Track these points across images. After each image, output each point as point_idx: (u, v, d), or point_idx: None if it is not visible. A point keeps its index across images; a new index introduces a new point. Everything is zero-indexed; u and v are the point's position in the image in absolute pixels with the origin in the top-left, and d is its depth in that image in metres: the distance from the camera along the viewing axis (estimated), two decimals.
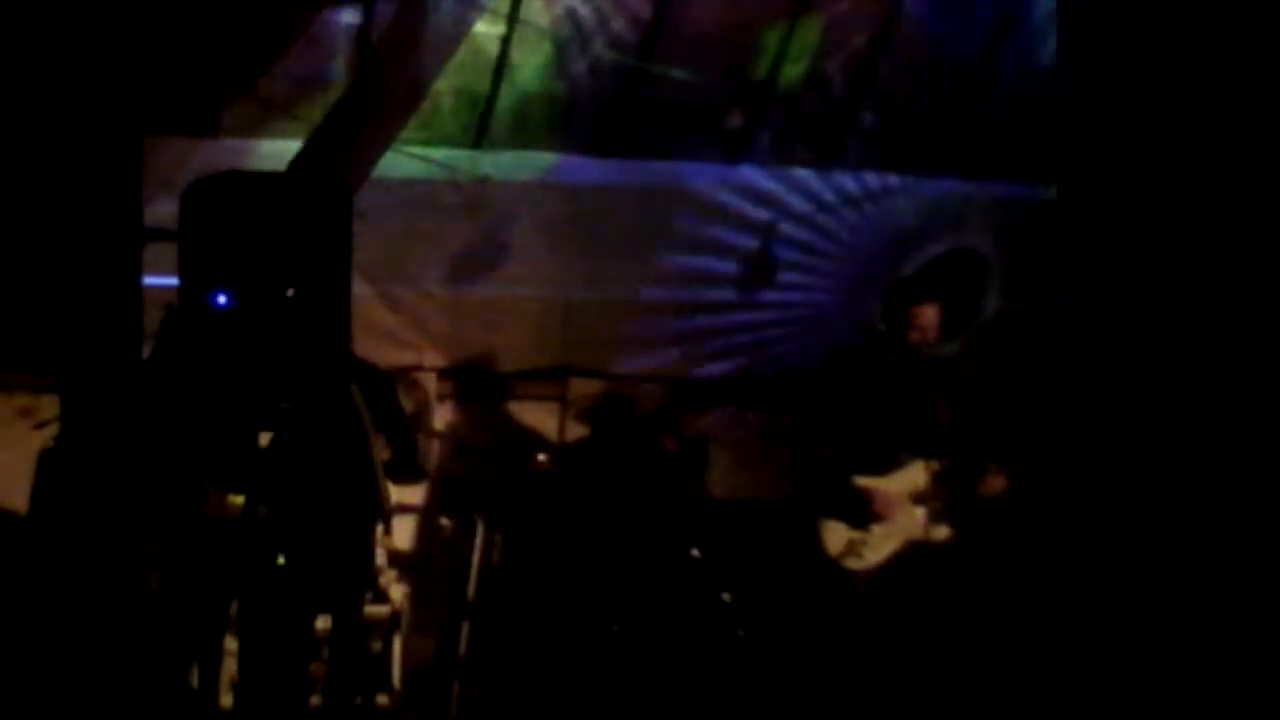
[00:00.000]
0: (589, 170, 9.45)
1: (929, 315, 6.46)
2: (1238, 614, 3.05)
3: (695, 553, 8.02)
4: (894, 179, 9.66)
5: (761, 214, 9.49)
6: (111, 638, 6.44)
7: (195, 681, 6.93)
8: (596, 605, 7.97)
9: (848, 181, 9.65)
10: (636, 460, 8.44)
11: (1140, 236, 3.19)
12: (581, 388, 9.16)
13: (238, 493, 7.57)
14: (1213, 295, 3.08)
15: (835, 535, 6.34)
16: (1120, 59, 3.24)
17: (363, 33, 8.69)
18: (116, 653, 6.43)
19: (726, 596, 7.68)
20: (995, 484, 6.36)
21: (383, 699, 7.18)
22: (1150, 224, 3.17)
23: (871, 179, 9.65)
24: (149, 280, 6.91)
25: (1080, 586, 3.31)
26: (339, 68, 8.67)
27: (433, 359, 8.91)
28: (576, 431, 9.03)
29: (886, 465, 6.38)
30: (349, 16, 8.73)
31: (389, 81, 8.16)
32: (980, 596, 7.33)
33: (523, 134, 9.17)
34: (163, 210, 6.23)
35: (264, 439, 6.18)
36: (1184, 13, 3.13)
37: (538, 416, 9.06)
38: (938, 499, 6.36)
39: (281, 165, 7.71)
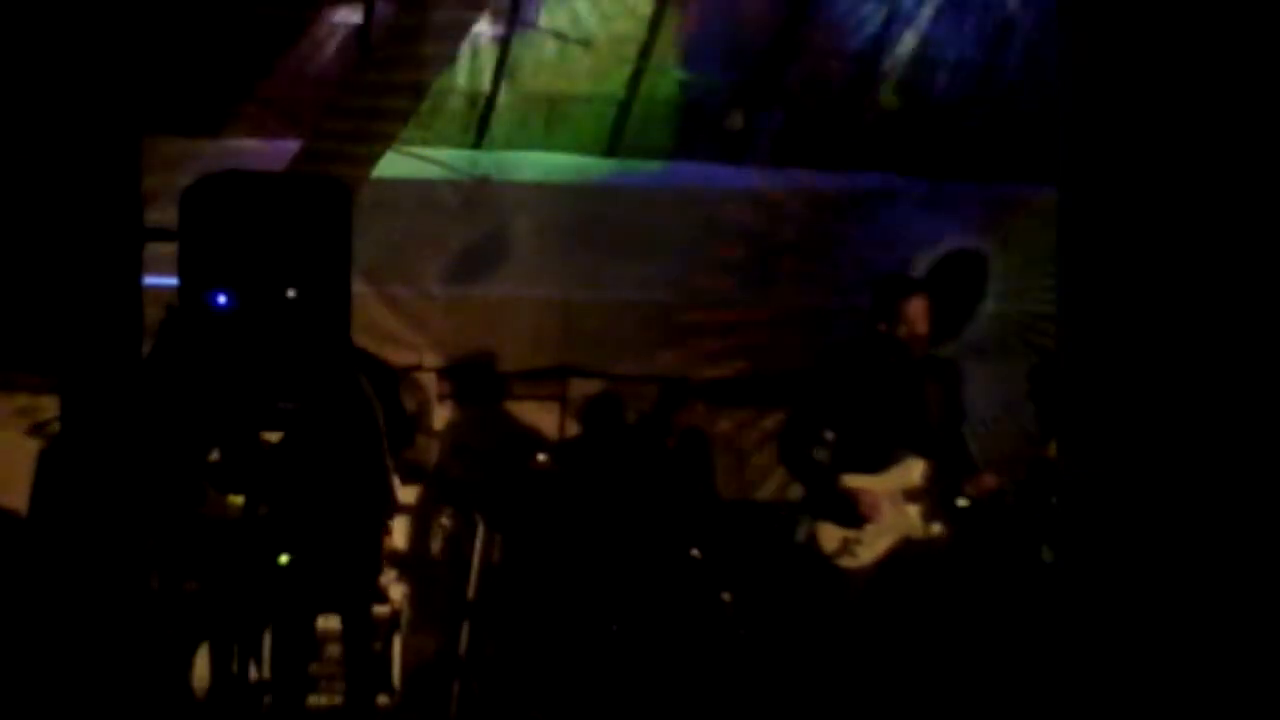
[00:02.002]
0: (589, 170, 9.46)
1: (918, 309, 6.39)
2: (1237, 612, 3.05)
3: (695, 553, 8.02)
4: (894, 179, 9.66)
5: (762, 214, 9.49)
6: (111, 637, 6.43)
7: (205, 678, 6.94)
8: (596, 605, 7.96)
9: (847, 181, 9.65)
10: (637, 459, 8.44)
11: (1140, 236, 3.19)
12: (581, 388, 9.16)
13: (238, 493, 7.59)
14: (1213, 295, 3.08)
15: (829, 534, 6.30)
16: (1120, 59, 3.25)
17: (363, 33, 8.69)
18: (116, 652, 6.42)
19: (727, 596, 7.67)
20: (986, 482, 6.33)
21: (383, 699, 7.18)
22: (1151, 223, 3.17)
23: (871, 179, 9.66)
24: (149, 280, 6.91)
25: (1078, 585, 3.31)
26: (339, 68, 8.67)
27: (433, 359, 8.91)
28: (576, 431, 9.04)
29: (881, 463, 6.33)
30: (349, 16, 8.73)
31: (389, 81, 8.16)
32: (973, 594, 7.32)
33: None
34: (163, 210, 6.23)
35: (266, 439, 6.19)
36: (1184, 13, 3.13)
37: (538, 416, 9.06)
38: (931, 497, 6.31)
39: (281, 165, 7.71)
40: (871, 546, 6.23)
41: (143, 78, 6.93)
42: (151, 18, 7.03)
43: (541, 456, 8.38)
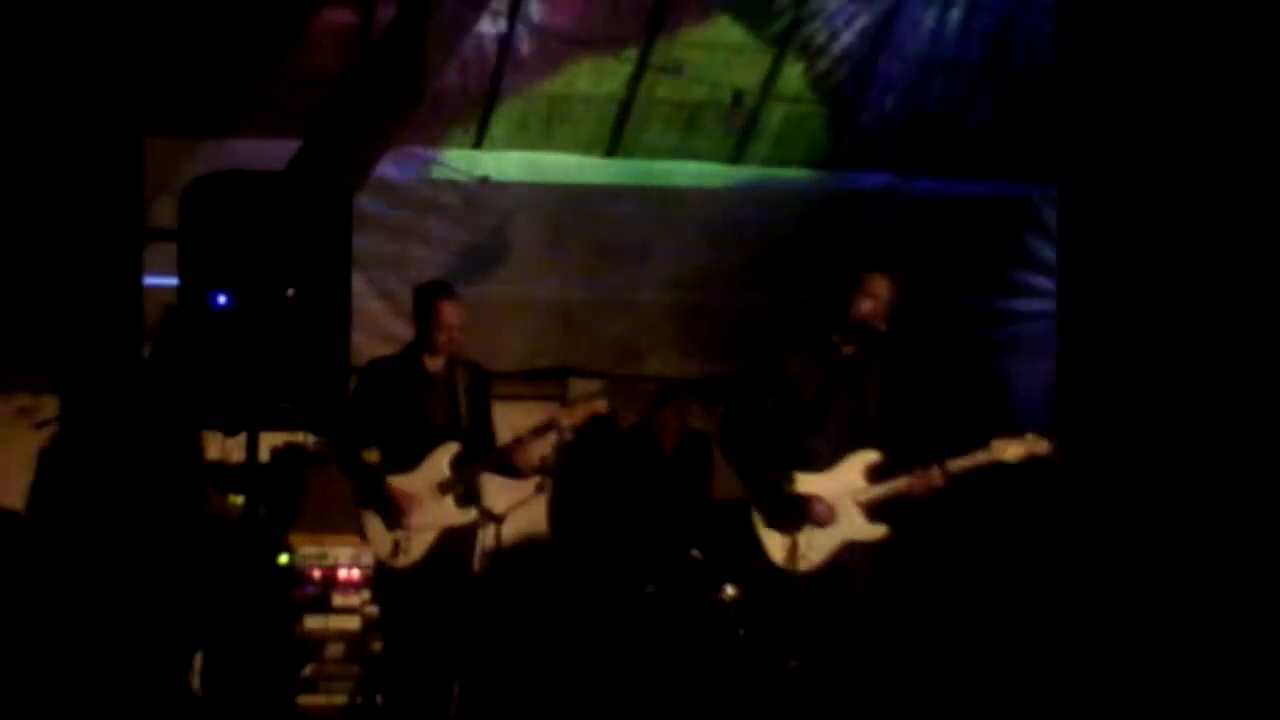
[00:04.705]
0: (589, 170, 9.46)
1: (882, 285, 6.23)
2: (1237, 613, 3.05)
3: (695, 553, 8.02)
4: (894, 179, 9.67)
5: (762, 214, 9.49)
6: (111, 637, 6.44)
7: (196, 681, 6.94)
8: (596, 605, 7.96)
9: (848, 181, 9.66)
10: (636, 460, 8.43)
11: (1141, 235, 3.20)
12: (581, 388, 9.15)
13: (237, 493, 7.59)
14: (1214, 294, 3.08)
15: (776, 542, 6.16)
16: (1121, 58, 3.25)
17: (363, 33, 8.70)
18: (116, 653, 6.43)
19: (731, 591, 7.65)
20: (929, 480, 6.14)
21: (382, 698, 7.18)
22: (1152, 223, 3.17)
23: (872, 179, 9.66)
24: (149, 280, 6.91)
25: (1078, 587, 3.32)
26: (339, 68, 8.68)
27: None
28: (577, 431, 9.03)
29: (826, 462, 6.18)
30: (349, 16, 8.73)
31: (389, 81, 8.16)
32: (919, 597, 7.30)
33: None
34: (163, 210, 6.23)
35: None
36: (1185, 12, 3.13)
37: (538, 417, 9.05)
38: (872, 497, 6.17)
39: (281, 165, 7.71)
40: (820, 549, 6.11)
41: (143, 78, 6.94)
42: (151, 18, 7.04)
43: (542, 454, 8.36)
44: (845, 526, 6.14)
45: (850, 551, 6.13)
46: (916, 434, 6.23)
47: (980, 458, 6.12)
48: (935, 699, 6.97)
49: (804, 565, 6.12)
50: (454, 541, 6.81)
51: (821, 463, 6.19)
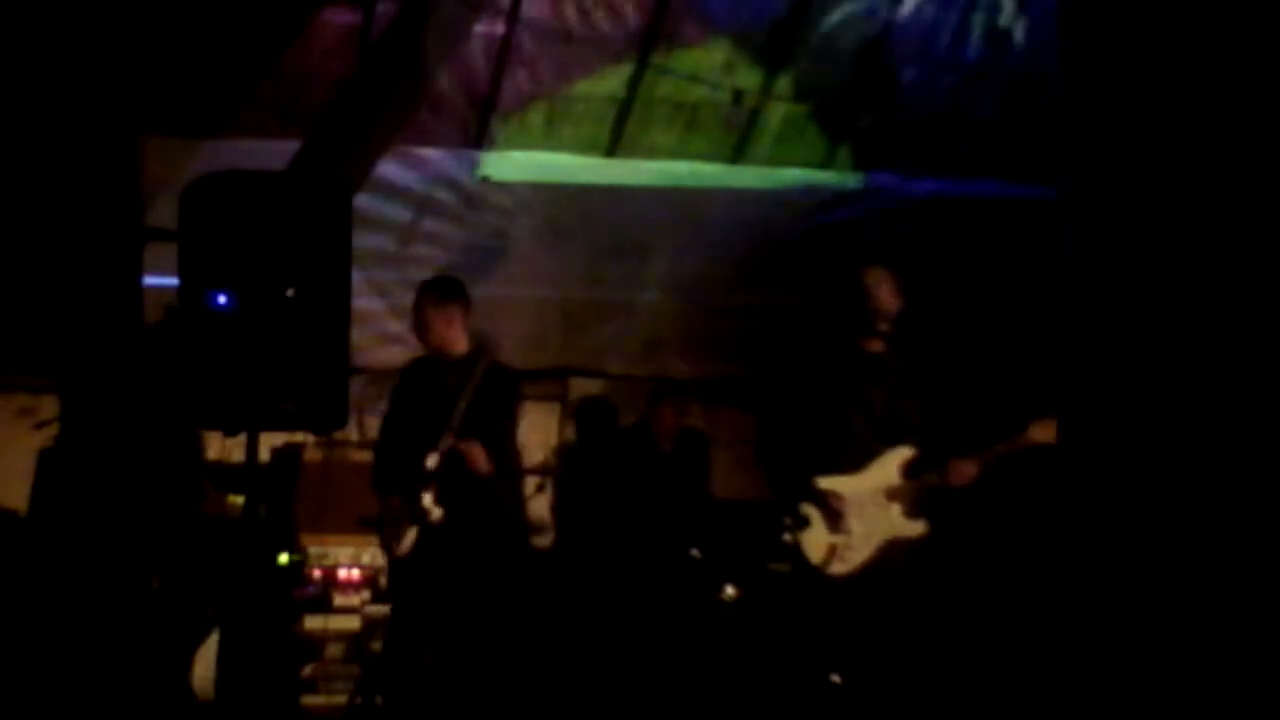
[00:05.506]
0: (589, 170, 9.47)
1: (881, 274, 6.23)
2: (1238, 611, 3.05)
3: (695, 553, 8.03)
4: (893, 179, 9.68)
5: (762, 214, 9.50)
6: (111, 637, 6.44)
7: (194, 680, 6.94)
8: (596, 605, 7.97)
9: (847, 182, 9.67)
10: (635, 459, 8.44)
11: (1142, 234, 3.20)
12: (581, 388, 9.17)
13: (238, 493, 7.60)
14: (1216, 294, 3.08)
15: (816, 543, 6.17)
16: (1121, 57, 3.25)
17: (363, 33, 8.70)
18: (117, 652, 6.43)
19: (731, 591, 7.66)
20: (965, 471, 6.14)
21: (381, 699, 7.18)
22: (1152, 222, 3.17)
23: (871, 179, 9.67)
24: (149, 280, 6.92)
25: (1077, 578, 3.31)
26: (339, 68, 8.68)
27: None
28: (575, 432, 9.04)
29: (860, 462, 6.19)
30: (349, 16, 8.74)
31: (389, 81, 8.17)
32: (965, 590, 7.28)
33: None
34: (163, 210, 6.22)
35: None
36: (1185, 12, 3.13)
37: (538, 416, 9.07)
38: (910, 492, 6.18)
39: (281, 165, 7.71)
40: (861, 550, 6.12)
41: (142, 78, 6.94)
42: (151, 18, 7.04)
43: (542, 456, 8.38)
44: (885, 524, 6.13)
45: (893, 549, 6.14)
46: (951, 428, 6.23)
47: (1017, 442, 6.09)
48: (979, 695, 6.94)
49: (843, 566, 6.11)
50: (438, 538, 6.80)
51: (852, 462, 6.19)
